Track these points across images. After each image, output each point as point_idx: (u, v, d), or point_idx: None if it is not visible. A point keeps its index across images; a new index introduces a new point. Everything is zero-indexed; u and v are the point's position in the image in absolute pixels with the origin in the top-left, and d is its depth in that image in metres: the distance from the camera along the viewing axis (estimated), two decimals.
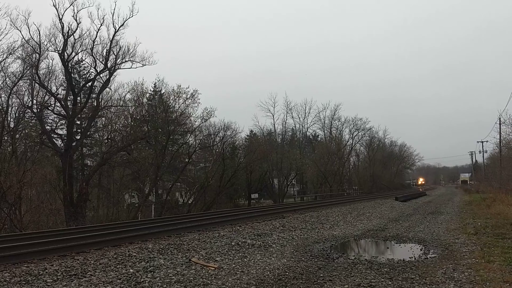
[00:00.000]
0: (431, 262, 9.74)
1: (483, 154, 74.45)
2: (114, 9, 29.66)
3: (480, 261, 9.46)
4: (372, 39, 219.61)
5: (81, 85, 33.74)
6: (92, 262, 9.33)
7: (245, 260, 10.29)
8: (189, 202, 37.53)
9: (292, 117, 65.09)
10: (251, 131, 58.76)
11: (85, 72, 35.54)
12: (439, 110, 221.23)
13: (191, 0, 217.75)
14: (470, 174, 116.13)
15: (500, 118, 42.70)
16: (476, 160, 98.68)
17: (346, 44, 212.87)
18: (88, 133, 34.27)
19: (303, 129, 65.47)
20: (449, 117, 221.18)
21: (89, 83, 31.53)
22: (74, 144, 30.04)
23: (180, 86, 33.38)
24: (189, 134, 38.32)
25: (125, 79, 56.38)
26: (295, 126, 64.57)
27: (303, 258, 10.46)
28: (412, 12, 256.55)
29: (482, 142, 72.13)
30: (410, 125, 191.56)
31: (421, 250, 11.76)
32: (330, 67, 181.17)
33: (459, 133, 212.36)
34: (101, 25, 28.43)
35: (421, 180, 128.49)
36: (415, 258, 10.28)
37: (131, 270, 8.78)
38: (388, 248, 12.68)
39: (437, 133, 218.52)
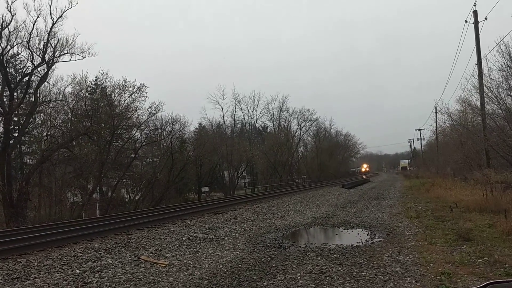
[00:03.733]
0: (377, 246, 10.11)
1: (420, 141, 78.39)
2: (52, 0, 28.07)
3: (423, 243, 9.93)
4: (316, 34, 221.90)
5: (17, 80, 31.86)
6: (35, 264, 8.90)
7: (197, 254, 10.18)
8: (136, 198, 36.64)
9: (241, 109, 65.12)
10: (200, 123, 58.24)
11: (21, 66, 33.62)
12: (380, 101, 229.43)
13: None
14: (409, 160, 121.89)
15: (436, 107, 44.93)
16: (414, 147, 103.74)
17: (292, 40, 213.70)
18: (26, 130, 32.52)
19: (252, 120, 65.82)
20: (390, 107, 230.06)
21: (26, 78, 29.83)
22: (11, 142, 28.40)
23: (126, 79, 32.28)
24: (135, 129, 37.28)
25: (65, 72, 54.02)
26: (244, 118, 64.72)
27: (255, 249, 10.51)
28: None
29: (419, 130, 75.92)
30: (352, 116, 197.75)
31: (367, 235, 12.18)
32: (275, 62, 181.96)
33: (398, 122, 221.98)
34: (37, 16, 26.86)
35: (365, 167, 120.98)
36: (362, 243, 10.63)
37: (77, 271, 8.43)
38: (336, 234, 13.02)
39: (379, 122, 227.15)
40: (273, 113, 66.40)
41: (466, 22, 23.09)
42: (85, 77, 31.76)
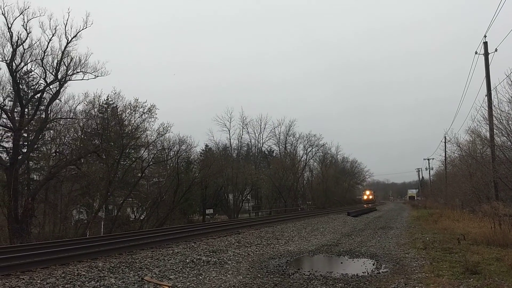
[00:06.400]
0: (383, 276, 9.96)
1: (429, 171, 78.00)
2: (67, 20, 28.46)
3: (430, 275, 9.77)
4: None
5: (29, 96, 32.35)
6: (38, 281, 8.87)
7: (200, 277, 10.10)
8: (141, 218, 36.57)
9: (248, 132, 65.57)
10: (206, 145, 58.50)
11: (34, 83, 34.18)
12: (389, 128, 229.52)
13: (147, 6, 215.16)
14: (417, 190, 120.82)
15: (445, 137, 44.80)
16: (422, 177, 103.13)
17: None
18: (35, 146, 32.81)
19: (259, 144, 66.04)
20: (396, 135, 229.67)
21: (38, 95, 30.31)
22: (20, 157, 28.63)
23: (137, 99, 32.57)
24: (143, 149, 37.48)
25: (76, 90, 54.77)
26: (250, 141, 64.99)
27: (259, 275, 10.40)
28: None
29: (428, 159, 75.61)
30: (359, 143, 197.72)
31: (373, 265, 12.01)
32: (283, 80, 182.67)
33: (407, 150, 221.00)
34: (52, 35, 27.47)
35: (367, 194, 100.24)
36: (368, 273, 10.48)
37: None
38: (342, 263, 12.85)
39: (386, 151, 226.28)
40: (279, 137, 66.69)
41: (476, 53, 23.27)
42: (99, 96, 32.14)
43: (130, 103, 32.78)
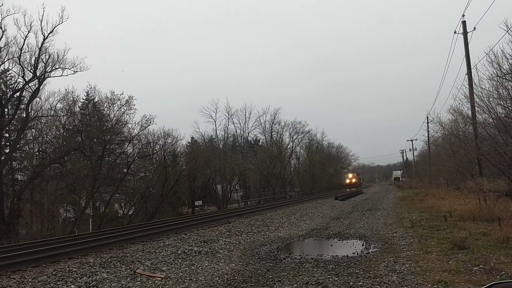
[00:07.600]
0: (373, 256, 10.10)
1: (413, 151, 79.09)
2: (43, 16, 28.11)
3: (418, 252, 9.94)
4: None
5: (8, 95, 31.73)
6: (30, 280, 8.79)
7: (193, 267, 10.11)
8: (130, 213, 36.41)
9: (233, 122, 65.05)
10: (192, 137, 58.25)
11: (12, 82, 33.52)
12: (371, 113, 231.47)
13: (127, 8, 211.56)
14: (402, 171, 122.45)
15: (428, 117, 45.36)
16: (406, 158, 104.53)
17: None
18: (18, 146, 32.28)
19: (244, 134, 65.88)
20: (379, 119, 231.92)
21: (17, 93, 29.78)
22: (3, 158, 28.18)
23: (113, 92, 32.09)
24: (127, 143, 37.13)
25: (57, 87, 53.91)
26: (236, 132, 64.76)
27: (251, 261, 10.46)
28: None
29: (411, 140, 76.65)
30: (343, 129, 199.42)
31: (362, 245, 12.17)
32: (264, 78, 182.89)
33: (390, 133, 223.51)
34: (28, 32, 27.02)
35: (350, 177, 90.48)
36: (357, 254, 10.62)
37: (72, 286, 8.34)
38: (331, 245, 12.97)
39: (370, 133, 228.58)
40: (265, 126, 66.61)
41: (455, 32, 23.49)
42: (72, 92, 31.48)
43: (106, 96, 32.34)
